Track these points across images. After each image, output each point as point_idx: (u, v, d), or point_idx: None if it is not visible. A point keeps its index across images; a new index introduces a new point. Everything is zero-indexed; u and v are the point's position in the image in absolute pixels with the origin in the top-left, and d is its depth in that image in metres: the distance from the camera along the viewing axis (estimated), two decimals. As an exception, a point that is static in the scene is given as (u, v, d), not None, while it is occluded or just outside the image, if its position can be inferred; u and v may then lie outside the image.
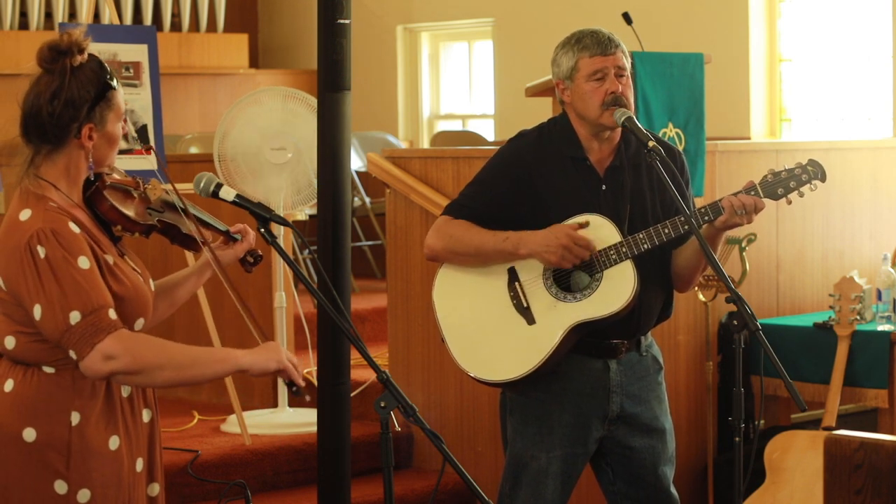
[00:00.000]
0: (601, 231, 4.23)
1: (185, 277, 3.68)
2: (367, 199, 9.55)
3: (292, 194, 6.60)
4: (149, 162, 6.01)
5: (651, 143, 4.18)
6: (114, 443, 3.36)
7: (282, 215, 3.58)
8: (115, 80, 3.39)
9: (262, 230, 3.50)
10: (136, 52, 6.37)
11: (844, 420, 5.91)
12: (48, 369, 3.33)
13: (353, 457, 5.29)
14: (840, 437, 3.21)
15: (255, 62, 12.16)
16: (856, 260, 6.70)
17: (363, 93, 10.22)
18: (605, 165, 4.33)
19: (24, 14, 10.96)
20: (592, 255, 4.23)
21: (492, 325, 4.32)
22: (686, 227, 4.16)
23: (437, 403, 6.41)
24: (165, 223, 3.54)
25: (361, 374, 6.41)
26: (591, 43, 4.27)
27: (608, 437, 4.37)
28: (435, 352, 6.29)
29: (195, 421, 6.74)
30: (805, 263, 6.57)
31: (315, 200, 6.12)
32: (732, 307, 4.06)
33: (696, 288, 5.85)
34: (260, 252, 3.73)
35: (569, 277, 4.28)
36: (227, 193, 3.55)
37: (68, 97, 3.31)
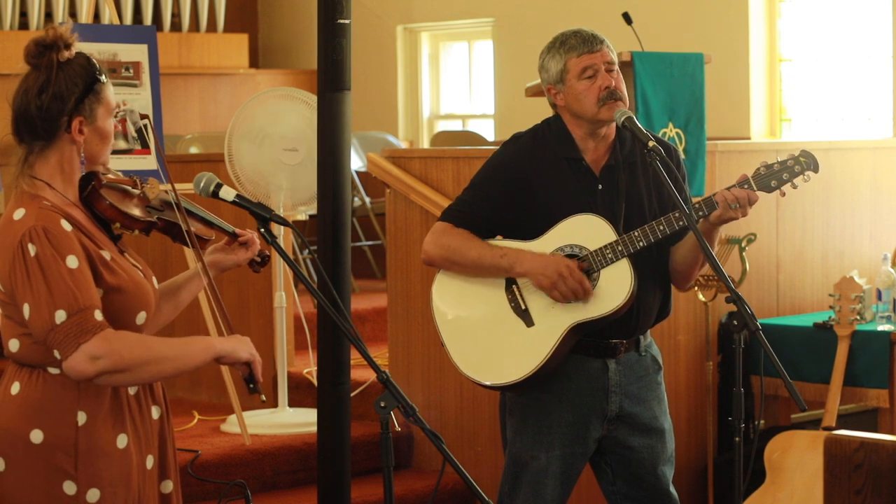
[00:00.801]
0: (597, 231, 4.23)
1: (188, 279, 3.68)
2: (367, 199, 9.55)
3: (294, 194, 6.59)
4: (148, 162, 6.01)
5: (651, 144, 4.18)
6: (122, 441, 3.36)
7: (281, 215, 3.57)
8: (103, 75, 3.39)
9: (262, 230, 3.50)
10: (136, 52, 6.37)
11: (844, 420, 5.91)
12: (53, 370, 3.33)
13: (353, 457, 5.29)
14: (840, 437, 3.21)
15: (255, 62, 12.16)
16: (856, 260, 6.70)
17: (363, 93, 10.22)
18: (601, 165, 4.33)
19: (24, 14, 10.96)
20: (589, 255, 4.23)
21: (490, 328, 4.32)
22: (681, 222, 4.16)
23: (437, 403, 6.41)
24: (166, 221, 3.53)
25: (361, 374, 6.41)
26: (577, 43, 4.27)
27: (607, 436, 4.37)
28: (435, 352, 6.29)
29: (195, 421, 6.74)
30: (805, 263, 6.57)
31: (315, 200, 6.12)
32: (732, 307, 4.06)
33: (696, 288, 5.85)
34: (268, 253, 3.73)
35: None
36: (227, 193, 3.54)
37: (56, 90, 3.32)
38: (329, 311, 3.54)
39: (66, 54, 3.34)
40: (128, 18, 11.15)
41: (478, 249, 4.29)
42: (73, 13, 10.90)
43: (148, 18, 11.36)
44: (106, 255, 3.35)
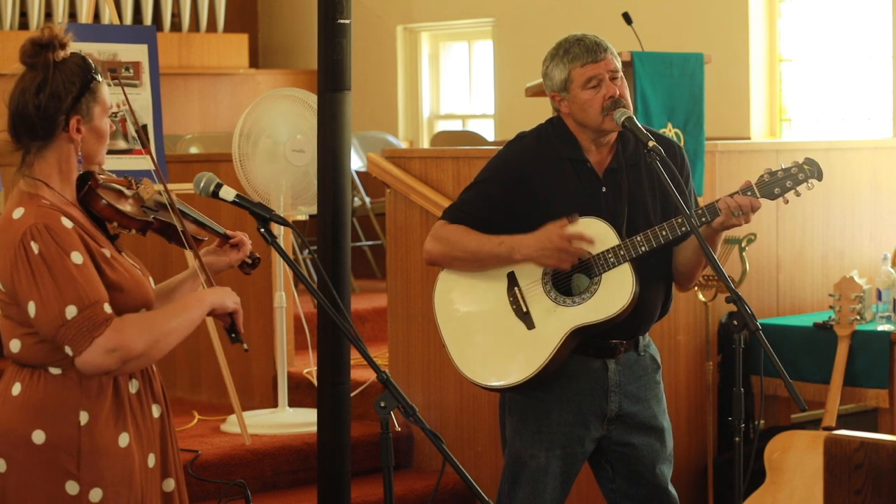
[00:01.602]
0: (599, 234, 4.22)
1: (183, 280, 3.69)
2: (367, 199, 9.55)
3: (298, 195, 6.59)
4: (146, 162, 6.02)
5: (651, 144, 4.17)
6: (123, 440, 3.36)
7: (283, 215, 3.57)
8: (99, 75, 3.40)
9: (262, 230, 3.50)
10: (136, 52, 6.37)
11: (844, 420, 5.91)
12: (55, 370, 3.33)
13: (353, 457, 5.29)
14: (840, 437, 3.21)
15: (255, 62, 12.16)
16: (856, 260, 6.70)
17: (363, 93, 10.22)
18: (605, 167, 4.33)
19: (24, 14, 10.96)
20: (591, 259, 4.22)
21: (492, 330, 4.32)
22: (684, 228, 4.16)
23: (437, 403, 6.41)
24: (162, 222, 3.54)
25: (361, 374, 6.41)
26: (581, 52, 4.26)
27: (607, 436, 4.37)
28: (435, 352, 6.29)
29: (195, 421, 6.74)
30: (805, 263, 6.57)
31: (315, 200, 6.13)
32: (732, 307, 4.06)
33: (696, 288, 5.85)
34: (258, 255, 3.73)
35: (568, 281, 4.28)
36: (227, 193, 3.55)
37: (53, 89, 3.33)
38: (329, 311, 3.55)
39: (62, 54, 3.36)
40: (128, 18, 11.15)
41: (476, 240, 4.29)
42: (73, 13, 10.90)
43: (148, 18, 11.36)
44: (106, 252, 3.36)
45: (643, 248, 4.20)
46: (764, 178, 4.24)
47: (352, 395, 5.39)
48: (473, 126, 11.22)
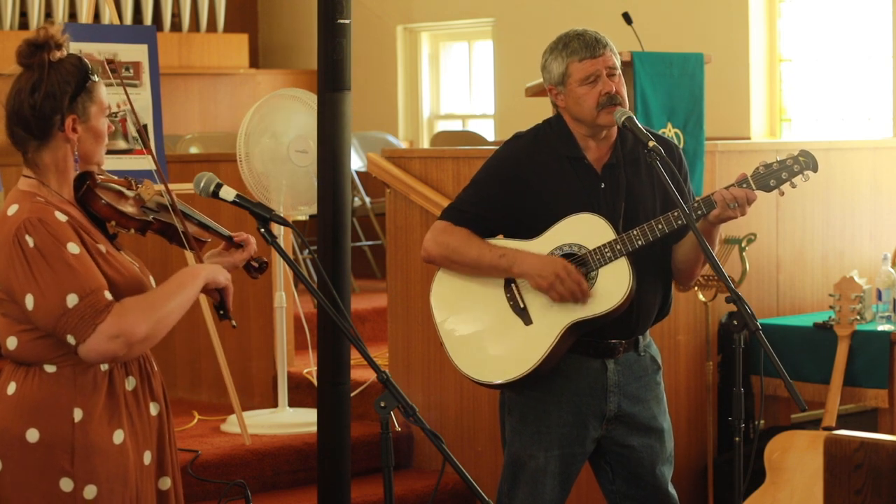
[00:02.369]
0: (595, 229, 4.23)
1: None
2: (367, 199, 9.55)
3: (300, 194, 6.59)
4: (147, 162, 6.02)
5: (651, 143, 4.18)
6: (118, 437, 3.37)
7: (283, 215, 3.57)
8: (96, 75, 3.41)
9: (262, 230, 3.50)
10: (136, 52, 6.37)
11: (844, 420, 5.91)
12: (49, 368, 3.34)
13: (353, 457, 5.29)
14: (840, 437, 3.21)
15: (255, 62, 12.16)
16: (856, 260, 6.70)
17: (363, 93, 10.22)
18: (603, 163, 4.33)
19: (24, 14, 10.96)
20: (587, 253, 4.23)
21: (489, 326, 4.32)
22: (680, 221, 4.16)
23: (437, 403, 6.41)
24: (162, 222, 3.54)
25: (361, 374, 6.41)
26: (580, 46, 4.26)
27: (606, 436, 4.37)
28: (435, 352, 6.29)
29: (195, 421, 6.74)
30: (805, 263, 6.57)
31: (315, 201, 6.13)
32: (732, 307, 4.06)
33: (696, 288, 5.85)
34: (265, 259, 3.73)
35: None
36: (227, 193, 3.55)
37: (48, 89, 3.35)
38: (329, 311, 3.55)
39: (58, 54, 3.37)
40: (128, 18, 11.15)
41: (477, 249, 4.29)
42: (73, 13, 10.90)
43: (148, 18, 11.36)
44: (102, 248, 3.38)
45: (639, 242, 4.20)
46: (759, 170, 4.24)
47: (352, 395, 5.39)
48: (473, 126, 11.22)
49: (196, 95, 11.49)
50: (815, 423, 5.88)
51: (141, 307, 3.33)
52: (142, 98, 6.37)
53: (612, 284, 4.21)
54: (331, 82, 5.11)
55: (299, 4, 11.99)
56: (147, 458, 3.44)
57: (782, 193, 4.26)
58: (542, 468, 4.32)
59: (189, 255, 3.67)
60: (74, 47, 6.08)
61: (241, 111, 6.83)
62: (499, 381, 4.31)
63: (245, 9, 12.39)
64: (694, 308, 6.09)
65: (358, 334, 3.51)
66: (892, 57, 9.01)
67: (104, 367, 3.37)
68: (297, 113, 6.60)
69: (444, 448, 3.39)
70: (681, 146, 5.83)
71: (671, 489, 4.44)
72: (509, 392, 4.39)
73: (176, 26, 11.69)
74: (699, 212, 4.19)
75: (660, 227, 4.19)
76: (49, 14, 10.98)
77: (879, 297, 5.99)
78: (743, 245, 5.81)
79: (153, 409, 3.48)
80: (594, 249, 4.22)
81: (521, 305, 4.29)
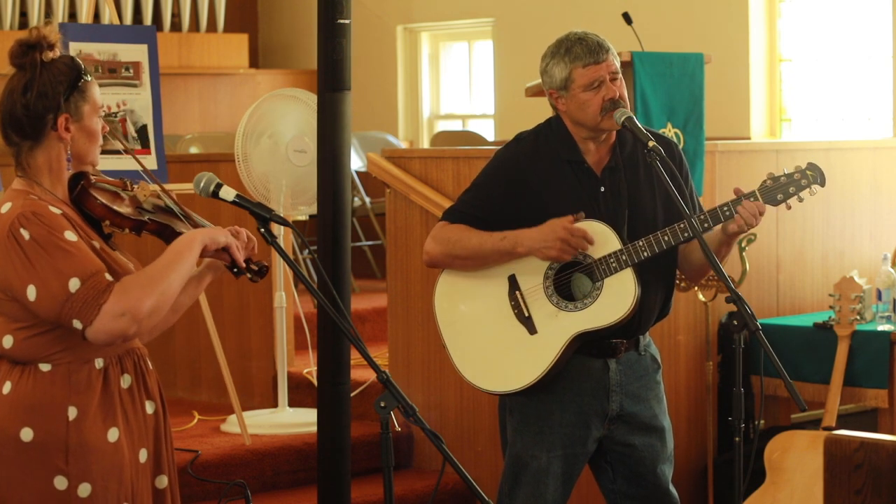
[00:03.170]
0: (601, 238, 4.22)
1: (187, 284, 3.68)
2: (367, 199, 9.55)
3: (300, 194, 6.59)
4: (146, 163, 6.01)
5: (651, 143, 4.18)
6: (113, 435, 3.37)
7: (283, 215, 3.57)
8: (89, 75, 3.42)
9: (262, 230, 3.50)
10: (136, 52, 6.37)
11: (844, 420, 5.91)
12: (44, 367, 3.34)
13: (353, 457, 5.29)
14: (840, 437, 3.21)
15: (255, 62, 12.16)
16: (856, 260, 6.70)
17: (363, 93, 10.22)
18: (603, 166, 4.33)
19: (23, 14, 10.96)
20: (593, 263, 4.22)
21: (493, 334, 4.32)
22: (686, 234, 4.17)
23: (437, 403, 6.41)
24: (157, 223, 3.54)
25: (361, 374, 6.41)
26: (583, 52, 4.25)
27: (608, 436, 4.37)
28: (435, 352, 6.29)
29: (195, 421, 6.74)
30: (805, 263, 6.57)
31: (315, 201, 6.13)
32: (732, 307, 4.06)
33: (696, 288, 5.85)
34: (265, 263, 3.73)
35: (570, 285, 4.27)
36: (227, 193, 3.55)
37: (41, 89, 3.35)
38: (329, 311, 3.55)
39: (50, 54, 3.38)
40: (128, 18, 11.14)
41: (478, 237, 4.29)
42: (73, 13, 10.90)
43: (148, 18, 11.35)
44: (96, 244, 3.38)
45: (645, 254, 4.20)
46: (767, 183, 4.24)
47: (352, 395, 5.39)
48: (473, 126, 11.22)
49: (196, 95, 11.49)
50: (815, 423, 5.88)
51: (141, 282, 3.33)
52: (142, 98, 6.37)
53: (618, 296, 4.21)
54: (331, 82, 5.11)
55: (299, 4, 11.99)
56: (143, 455, 3.45)
57: (789, 207, 4.26)
58: (544, 469, 4.32)
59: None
60: (74, 47, 6.08)
61: (241, 111, 6.83)
62: (504, 391, 4.31)
63: (245, 9, 12.39)
64: (694, 308, 6.09)
65: (358, 334, 3.50)
66: (892, 57, 9.00)
67: (98, 364, 3.38)
68: (294, 112, 6.60)
69: (444, 448, 3.39)
70: (681, 146, 5.84)
71: (672, 489, 4.44)
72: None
73: (176, 26, 11.68)
74: (706, 225, 4.19)
75: (666, 238, 4.19)
76: (49, 14, 10.97)
77: (879, 297, 5.99)
78: (743, 245, 5.81)
79: (149, 408, 3.48)
80: (600, 259, 4.22)
81: (526, 314, 4.28)
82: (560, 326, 4.24)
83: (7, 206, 3.34)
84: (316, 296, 3.58)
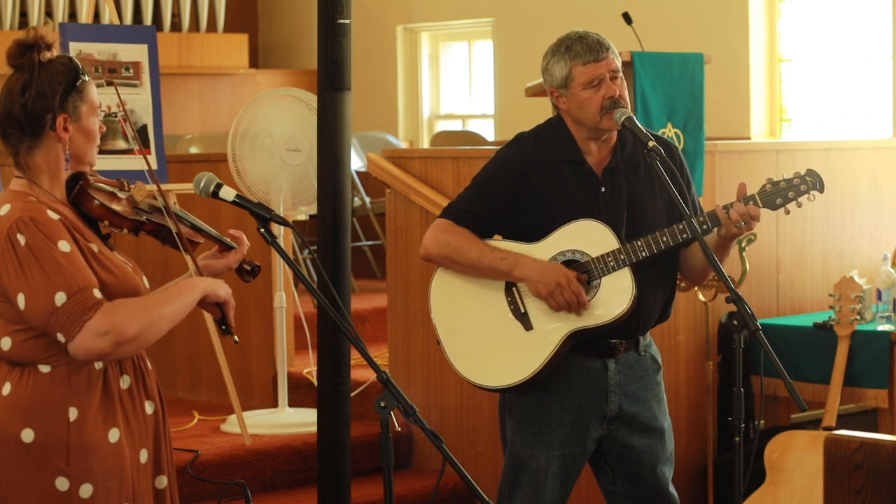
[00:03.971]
0: (599, 238, 4.22)
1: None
2: (367, 199, 9.55)
3: (296, 194, 6.59)
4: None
5: (651, 144, 4.18)
6: (113, 435, 3.37)
7: (281, 215, 3.57)
8: (86, 75, 3.41)
9: (262, 230, 3.50)
10: (136, 52, 6.37)
11: (844, 420, 5.91)
12: (44, 368, 3.34)
13: (353, 457, 5.29)
14: (840, 437, 3.21)
15: (255, 62, 12.16)
16: (856, 260, 6.70)
17: (363, 93, 10.22)
18: (604, 167, 4.33)
19: (23, 14, 10.96)
20: (591, 262, 4.22)
21: (489, 330, 4.32)
22: (685, 235, 4.17)
23: (437, 403, 6.41)
24: (155, 223, 3.54)
25: (361, 374, 6.41)
26: (583, 50, 4.25)
27: (607, 436, 4.37)
28: (435, 352, 6.28)
29: (195, 421, 6.74)
30: (805, 263, 6.57)
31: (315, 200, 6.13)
32: (732, 307, 4.06)
33: (697, 288, 5.85)
34: (258, 263, 3.73)
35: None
36: (227, 193, 3.55)
37: (39, 89, 3.36)
38: (329, 311, 3.55)
39: (48, 54, 3.38)
40: (128, 18, 11.14)
41: (478, 250, 4.29)
42: (73, 13, 10.90)
43: (148, 18, 11.35)
44: (94, 247, 3.38)
45: (643, 254, 4.20)
46: (766, 187, 4.24)
47: (352, 395, 5.39)
48: (473, 126, 11.22)
49: (196, 95, 11.49)
50: (815, 423, 5.88)
51: (133, 307, 3.33)
52: (142, 98, 6.37)
53: (615, 295, 4.21)
54: (331, 82, 5.11)
55: (299, 4, 11.99)
56: (143, 456, 3.45)
57: (787, 212, 4.26)
58: (543, 469, 4.32)
59: (189, 262, 3.66)
60: (74, 47, 6.09)
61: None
62: (497, 386, 4.31)
63: (245, 9, 12.39)
64: (694, 308, 6.09)
65: (358, 334, 3.51)
66: (892, 57, 9.00)
67: (98, 365, 3.38)
68: (286, 111, 6.60)
69: (444, 448, 3.39)
70: (681, 146, 5.85)
71: (672, 489, 4.44)
72: (510, 392, 4.39)
73: (176, 26, 11.68)
74: (705, 226, 4.19)
75: (664, 239, 4.19)
76: (49, 14, 10.97)
77: (879, 297, 5.99)
78: (743, 245, 5.81)
79: (148, 408, 3.49)
80: (597, 258, 4.22)
81: (522, 310, 4.29)
82: (556, 323, 4.24)
83: (6, 209, 3.34)
84: (316, 296, 3.58)
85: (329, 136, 5.15)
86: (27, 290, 3.26)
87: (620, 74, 4.29)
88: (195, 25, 11.79)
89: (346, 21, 5.08)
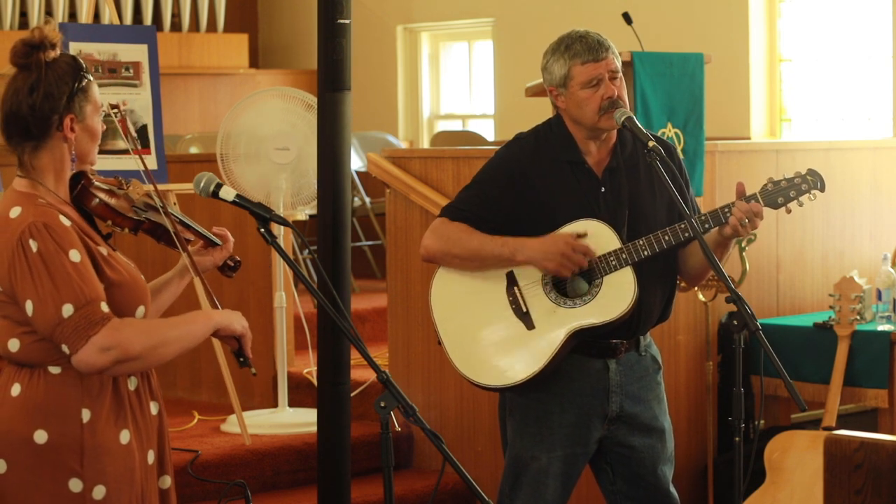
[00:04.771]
0: (601, 237, 4.22)
1: (167, 282, 3.69)
2: (367, 199, 9.55)
3: (293, 194, 6.60)
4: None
5: (651, 143, 4.18)
6: (124, 437, 3.37)
7: (282, 215, 3.58)
8: (90, 74, 3.41)
9: (262, 230, 3.50)
10: (136, 52, 6.37)
11: (844, 420, 5.91)
12: (54, 369, 3.33)
13: (353, 457, 5.29)
14: (840, 437, 3.21)
15: (255, 62, 12.16)
16: (856, 260, 6.70)
17: (363, 93, 10.22)
18: (604, 167, 4.33)
19: (23, 14, 10.96)
20: (592, 262, 4.23)
21: (490, 329, 4.32)
22: (687, 234, 4.17)
23: (437, 403, 6.41)
24: (152, 222, 3.55)
25: (361, 374, 6.41)
26: (582, 49, 4.25)
27: (608, 436, 4.37)
28: (435, 352, 6.29)
29: (195, 421, 6.74)
30: (805, 263, 6.57)
31: (315, 200, 6.13)
32: (732, 307, 4.06)
33: (697, 288, 5.85)
34: (238, 258, 3.73)
35: (568, 282, 4.27)
36: (227, 193, 3.55)
37: (46, 89, 3.34)
38: (329, 311, 3.55)
39: (53, 54, 3.37)
40: (128, 18, 11.14)
41: (478, 239, 4.29)
42: (73, 13, 10.90)
43: (148, 18, 11.36)
44: (103, 251, 3.38)
45: (645, 253, 4.20)
46: (767, 187, 4.24)
47: (352, 395, 5.39)
48: (473, 126, 11.22)
49: (196, 95, 11.49)
50: (815, 423, 5.88)
51: (140, 327, 3.33)
52: (142, 98, 6.37)
53: (617, 294, 4.21)
54: (331, 82, 5.11)
55: (299, 4, 11.99)
56: (151, 457, 3.45)
57: (789, 211, 4.26)
58: (544, 469, 4.32)
59: (186, 260, 3.65)
60: (74, 47, 6.09)
61: (241, 112, 6.83)
62: (499, 385, 4.31)
63: (245, 9, 12.39)
64: (694, 308, 6.09)
65: (358, 334, 3.51)
66: (892, 57, 9.01)
67: None
68: (274, 111, 6.59)
69: (444, 448, 3.39)
70: (681, 146, 5.85)
71: (672, 489, 4.44)
72: (510, 393, 4.39)
73: (176, 26, 11.69)
74: (707, 225, 4.20)
75: (666, 238, 4.19)
76: (49, 14, 10.97)
77: (879, 297, 5.99)
78: (743, 245, 5.81)
79: (153, 409, 3.49)
80: (600, 257, 4.22)
81: (524, 310, 4.28)
82: (558, 322, 4.24)
83: (17, 211, 3.31)
84: (316, 296, 3.58)
85: (329, 136, 5.15)
86: (35, 299, 3.25)
87: (620, 75, 4.29)
88: (195, 25, 11.79)
89: (346, 21, 5.08)
